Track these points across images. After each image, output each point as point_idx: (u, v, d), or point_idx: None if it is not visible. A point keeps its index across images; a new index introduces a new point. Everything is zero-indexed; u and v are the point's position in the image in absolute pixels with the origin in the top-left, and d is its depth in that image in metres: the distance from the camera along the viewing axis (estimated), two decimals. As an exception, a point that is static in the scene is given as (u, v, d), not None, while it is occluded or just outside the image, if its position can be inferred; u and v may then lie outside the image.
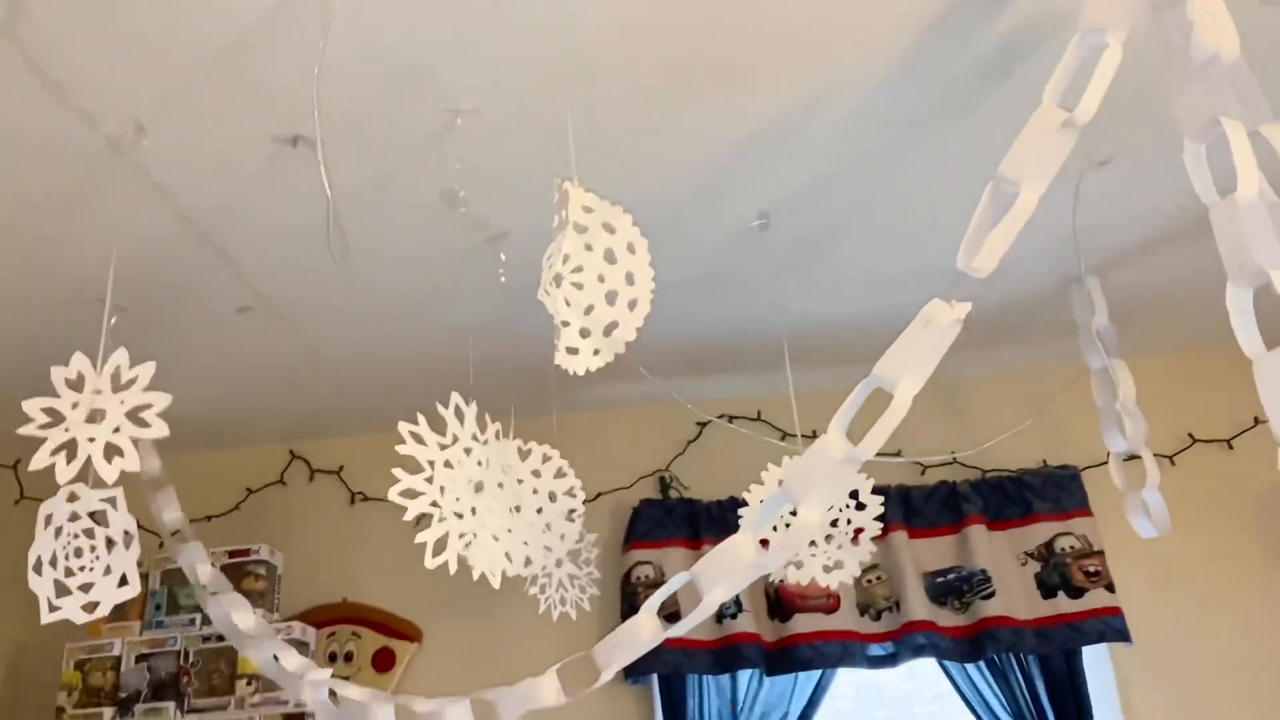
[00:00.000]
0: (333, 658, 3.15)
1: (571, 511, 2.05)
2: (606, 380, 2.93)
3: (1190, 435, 3.20)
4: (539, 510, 1.97)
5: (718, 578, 1.46)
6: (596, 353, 1.43)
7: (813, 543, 2.15)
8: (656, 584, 2.95)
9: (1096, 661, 3.02)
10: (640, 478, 3.29)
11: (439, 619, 3.20)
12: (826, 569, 2.15)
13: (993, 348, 3.13)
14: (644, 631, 1.50)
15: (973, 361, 3.20)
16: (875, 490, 2.31)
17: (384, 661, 3.19)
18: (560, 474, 2.06)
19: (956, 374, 3.27)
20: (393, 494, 1.62)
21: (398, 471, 1.62)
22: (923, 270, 2.49)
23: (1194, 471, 3.13)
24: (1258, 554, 3.06)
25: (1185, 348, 3.22)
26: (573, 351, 1.42)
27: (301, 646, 2.87)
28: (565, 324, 1.41)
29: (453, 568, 1.60)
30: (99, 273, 2.03)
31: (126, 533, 1.77)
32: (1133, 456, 2.33)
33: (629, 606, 3.00)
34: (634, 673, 2.90)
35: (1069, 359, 2.72)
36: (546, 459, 2.06)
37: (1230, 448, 3.18)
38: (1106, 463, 2.40)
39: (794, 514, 1.43)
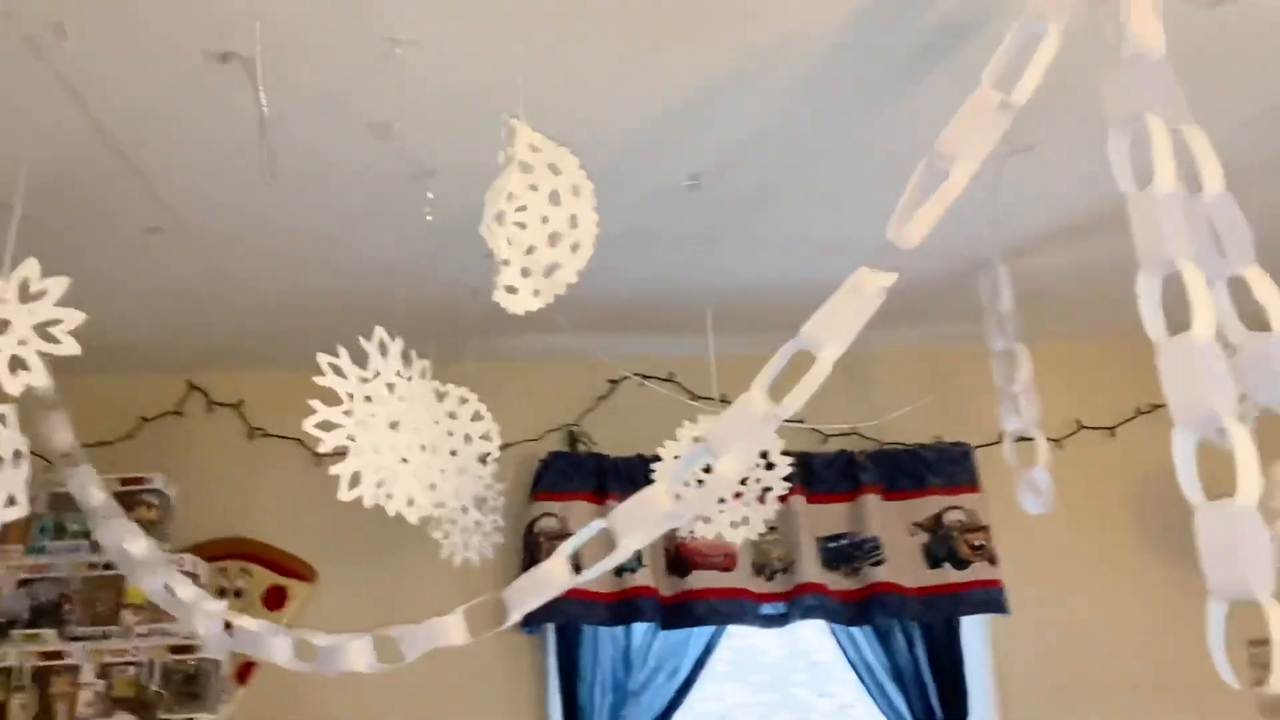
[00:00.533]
0: (221, 593, 3.09)
1: (486, 455, 2.05)
2: (520, 331, 2.91)
3: (1078, 421, 3.35)
4: (453, 453, 1.97)
5: (632, 526, 1.49)
6: (536, 294, 1.43)
7: (721, 499, 2.20)
8: (560, 536, 2.97)
9: (975, 631, 3.16)
10: (549, 430, 3.30)
11: (335, 560, 3.17)
12: (734, 524, 2.20)
13: (898, 324, 3.20)
14: (557, 575, 1.52)
15: (878, 335, 3.26)
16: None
17: (275, 599, 3.15)
18: (477, 417, 2.05)
19: (862, 347, 3.33)
20: (308, 424, 1.59)
21: (315, 403, 1.60)
22: (848, 242, 2.52)
23: (1079, 456, 3.28)
24: (1133, 537, 3.23)
25: (1076, 337, 3.34)
26: (512, 290, 1.42)
27: (192, 579, 2.80)
28: (506, 263, 1.40)
29: (367, 503, 1.59)
30: (5, 177, 1.93)
31: (17, 452, 1.71)
32: (1025, 437, 2.43)
33: (530, 557, 3.01)
34: (530, 622, 2.91)
35: (971, 339, 2.81)
36: (464, 401, 2.05)
37: (1113, 435, 3.34)
38: (998, 442, 2.51)
39: (706, 471, 1.46)
